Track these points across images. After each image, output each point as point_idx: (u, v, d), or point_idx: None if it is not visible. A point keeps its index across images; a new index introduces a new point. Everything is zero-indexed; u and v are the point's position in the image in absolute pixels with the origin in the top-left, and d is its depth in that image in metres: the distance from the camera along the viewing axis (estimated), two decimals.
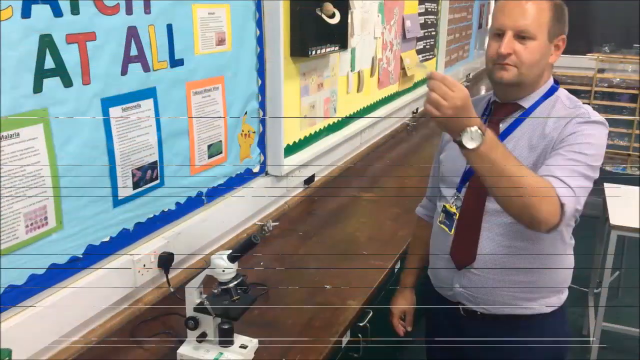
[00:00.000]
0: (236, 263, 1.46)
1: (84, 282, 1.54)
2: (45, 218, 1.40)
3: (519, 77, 1.40)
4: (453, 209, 1.53)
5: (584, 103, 1.44)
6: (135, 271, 1.69)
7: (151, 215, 1.76)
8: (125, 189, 1.64)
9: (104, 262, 1.62)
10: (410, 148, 3.66)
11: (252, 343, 1.52)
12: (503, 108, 1.49)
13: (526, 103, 1.45)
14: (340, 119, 2.96)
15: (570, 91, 1.50)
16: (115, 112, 1.56)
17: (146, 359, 1.53)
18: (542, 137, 1.40)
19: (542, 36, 1.38)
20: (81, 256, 1.53)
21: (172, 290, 1.80)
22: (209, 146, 1.97)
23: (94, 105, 1.49)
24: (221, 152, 2.05)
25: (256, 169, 2.29)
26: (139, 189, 1.69)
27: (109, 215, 1.60)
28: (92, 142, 1.50)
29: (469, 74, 5.94)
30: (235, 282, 1.46)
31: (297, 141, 2.55)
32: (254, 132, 2.25)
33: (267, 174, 2.37)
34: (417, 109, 4.30)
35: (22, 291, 1.37)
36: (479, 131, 1.18)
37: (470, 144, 1.18)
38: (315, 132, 2.73)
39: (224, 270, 1.44)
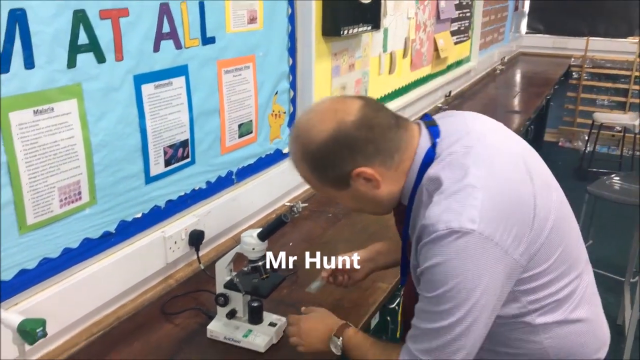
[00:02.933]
0: (266, 242, 1.45)
1: (116, 257, 1.56)
2: (79, 193, 1.42)
3: (372, 214, 1.29)
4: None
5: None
6: (166, 248, 1.71)
7: (182, 193, 1.77)
8: (157, 166, 1.65)
9: (136, 238, 1.63)
10: None
11: (281, 321, 1.53)
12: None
13: (405, 200, 1.19)
14: None
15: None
16: (147, 89, 1.56)
17: (176, 333, 1.55)
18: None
19: (329, 190, 1.19)
20: (114, 231, 1.54)
21: (202, 267, 1.82)
22: (239, 126, 1.97)
23: (127, 81, 1.49)
24: (251, 132, 2.05)
25: (286, 150, 2.28)
26: (171, 167, 1.70)
27: (141, 192, 1.61)
28: (125, 118, 1.51)
29: (504, 57, 5.81)
30: (265, 261, 1.46)
31: None
32: (285, 113, 2.23)
33: None
34: (450, 92, 4.23)
35: (56, 264, 1.40)
36: (336, 338, 1.32)
37: (336, 351, 1.32)
38: None
39: (254, 248, 1.44)
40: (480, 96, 4.58)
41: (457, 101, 4.29)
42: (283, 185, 2.27)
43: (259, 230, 1.45)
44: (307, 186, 2.45)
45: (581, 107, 6.30)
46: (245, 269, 1.51)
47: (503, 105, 4.34)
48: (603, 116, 5.50)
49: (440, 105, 4.00)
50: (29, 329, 1.01)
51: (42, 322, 1.02)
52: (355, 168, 1.11)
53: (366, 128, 1.09)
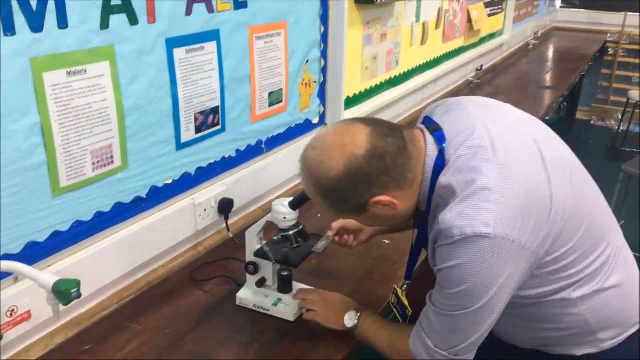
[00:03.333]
0: (297, 211, 1.43)
1: (147, 223, 1.56)
2: (111, 157, 1.41)
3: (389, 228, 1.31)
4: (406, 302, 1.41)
5: None
6: (196, 215, 1.70)
7: (212, 161, 1.75)
8: (188, 133, 1.63)
9: (167, 204, 1.63)
10: None
11: None
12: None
13: (422, 206, 1.17)
14: (401, 73, 2.86)
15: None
16: (179, 53, 1.53)
17: (206, 300, 1.55)
18: None
19: (346, 216, 1.24)
20: (145, 197, 1.54)
21: (231, 235, 1.81)
22: (269, 94, 1.94)
23: (159, 45, 1.47)
24: (281, 101, 2.01)
25: (315, 120, 2.25)
26: (201, 134, 1.68)
27: (172, 158, 1.60)
28: (157, 83, 1.49)
29: (537, 32, 5.64)
30: (296, 230, 1.44)
31: (357, 93, 2.49)
32: (315, 82, 2.19)
33: (326, 125, 2.33)
34: (481, 65, 4.13)
35: (88, 227, 1.40)
36: (354, 312, 1.34)
37: (350, 322, 1.34)
38: (376, 85, 2.65)
39: (285, 217, 1.42)
40: (513, 71, 4.46)
41: (488, 75, 4.19)
42: None
43: (290, 199, 1.43)
44: None
45: (615, 85, 6.12)
46: (276, 238, 1.49)
47: (535, 81, 4.23)
48: (639, 94, 5.33)
49: (471, 79, 3.91)
50: (63, 289, 1.00)
51: (77, 283, 1.02)
52: (372, 198, 1.09)
53: (377, 159, 1.06)
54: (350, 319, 1.34)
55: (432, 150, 1.12)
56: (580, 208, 1.11)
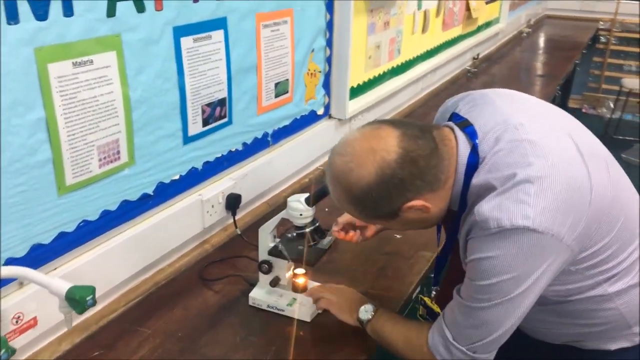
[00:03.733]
0: (313, 207, 1.37)
1: (154, 221, 1.49)
2: (118, 152, 1.34)
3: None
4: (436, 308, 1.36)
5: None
6: (203, 212, 1.63)
7: (219, 155, 1.69)
8: (195, 126, 1.56)
9: (174, 201, 1.56)
10: None
11: None
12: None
13: (454, 206, 1.12)
14: (403, 62, 2.80)
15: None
16: (186, 42, 1.46)
17: (217, 300, 1.48)
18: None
19: (375, 221, 1.20)
20: (152, 193, 1.47)
21: (239, 232, 1.74)
22: (275, 84, 1.87)
23: (166, 33, 1.39)
24: (287, 92, 1.95)
25: (320, 111, 2.18)
26: (208, 127, 1.61)
27: (179, 152, 1.53)
28: (164, 73, 1.41)
29: (530, 20, 5.61)
30: (312, 227, 1.38)
31: (360, 83, 2.43)
32: (320, 72, 2.13)
33: (330, 117, 2.27)
34: (478, 54, 4.08)
35: (94, 226, 1.33)
36: (369, 305, 1.28)
37: (364, 315, 1.27)
38: (380, 74, 2.59)
39: (301, 214, 1.36)
40: (507, 59, 4.42)
41: (484, 64, 4.14)
42: (317, 147, 2.18)
43: (306, 195, 1.37)
44: None
45: (607, 73, 6.12)
46: (289, 235, 1.43)
47: (531, 70, 4.19)
48: (632, 82, 5.34)
49: (468, 68, 3.86)
50: (78, 297, 0.94)
51: (92, 290, 0.95)
52: (405, 203, 1.05)
53: (409, 163, 1.01)
54: (366, 311, 1.28)
55: (464, 147, 1.07)
56: (618, 201, 1.07)
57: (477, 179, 1.04)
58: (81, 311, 0.96)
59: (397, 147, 1.01)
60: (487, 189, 1.01)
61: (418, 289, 1.68)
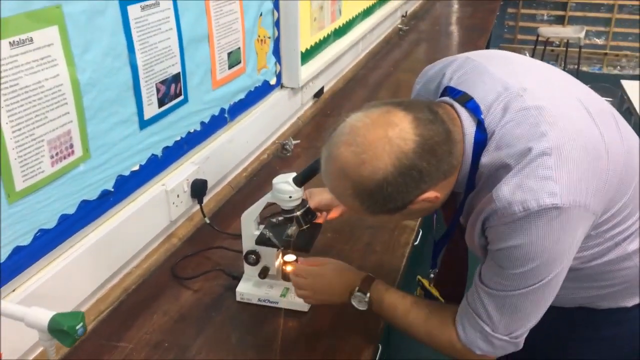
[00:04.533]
0: (302, 188, 1.24)
1: (118, 220, 1.31)
2: (71, 145, 1.14)
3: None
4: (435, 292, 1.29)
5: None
6: (169, 203, 1.46)
7: (178, 138, 1.51)
8: (151, 107, 1.37)
9: (136, 195, 1.38)
10: (403, 53, 3.41)
11: None
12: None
13: (459, 188, 1.03)
14: (344, 22, 2.68)
15: None
16: (134, 11, 1.26)
17: (199, 300, 1.33)
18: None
19: (377, 216, 1.00)
20: (112, 189, 1.28)
21: (207, 221, 1.58)
22: (228, 54, 1.70)
23: (111, 2, 1.19)
24: (240, 62, 1.78)
25: (273, 81, 2.03)
26: (165, 107, 1.43)
27: (136, 139, 1.34)
28: (113, 50, 1.21)
29: None
30: (303, 210, 1.25)
31: (309, 48, 2.28)
32: (269, 38, 1.96)
33: (282, 86, 2.11)
34: (406, 12, 4.02)
35: (53, 235, 1.13)
36: (361, 294, 1.15)
37: (360, 306, 1.16)
38: (324, 37, 2.45)
39: (290, 197, 1.22)
40: (433, 15, 4.40)
41: (413, 21, 4.09)
42: (272, 120, 2.04)
43: (294, 174, 1.24)
44: (295, 119, 2.25)
45: (522, 24, 6.29)
46: (274, 220, 1.30)
47: (461, 24, 4.20)
48: (549, 30, 5.51)
49: (400, 26, 3.79)
50: (66, 327, 0.77)
51: (81, 317, 0.79)
52: (419, 196, 0.93)
53: (429, 153, 0.90)
54: (359, 302, 1.16)
55: (469, 125, 0.97)
56: (632, 158, 1.03)
57: (487, 158, 0.95)
58: (71, 343, 0.80)
59: (414, 134, 0.89)
60: (501, 169, 0.93)
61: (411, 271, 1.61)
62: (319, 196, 1.36)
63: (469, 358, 1.05)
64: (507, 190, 0.90)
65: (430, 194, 0.94)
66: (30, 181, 1.05)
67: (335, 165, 0.94)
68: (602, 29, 5.97)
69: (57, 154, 1.10)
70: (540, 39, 5.48)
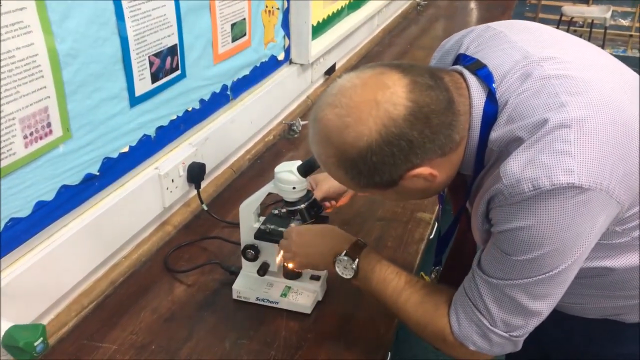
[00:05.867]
0: (308, 178, 1.11)
1: (104, 207, 1.19)
2: (49, 124, 1.01)
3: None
4: None
5: None
6: (162, 189, 1.34)
7: (174, 117, 1.37)
8: (143, 82, 1.24)
9: (125, 179, 1.25)
10: (421, 29, 3.23)
11: (323, 272, 1.23)
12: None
13: (466, 169, 0.92)
14: None
15: None
16: None
17: (192, 297, 1.22)
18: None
19: (367, 190, 0.91)
20: (97, 173, 1.15)
21: (205, 208, 1.46)
22: (232, 26, 1.55)
23: None
24: (245, 34, 1.63)
25: (281, 56, 1.88)
26: (159, 82, 1.29)
27: (126, 117, 1.21)
28: (99, 17, 1.08)
29: None
30: (308, 202, 1.12)
31: (320, 21, 2.13)
32: (278, 9, 1.81)
33: (291, 62, 1.97)
34: None
35: (28, 224, 1.01)
36: (349, 258, 1.01)
37: (345, 274, 1.03)
38: (338, 10, 2.29)
39: (294, 188, 1.10)
40: None
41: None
42: (279, 99, 1.90)
43: (298, 163, 1.10)
44: (304, 98, 2.11)
45: (544, 2, 6.03)
46: (277, 211, 1.18)
47: (482, 1, 4.00)
48: (573, 9, 5.27)
49: (418, 1, 3.60)
50: (22, 344, 0.65)
51: (40, 331, 0.67)
52: (409, 171, 0.83)
53: (422, 122, 0.80)
54: (344, 269, 1.02)
55: (478, 95, 0.85)
56: None
57: (497, 133, 0.83)
58: None
59: (407, 99, 0.79)
60: (512, 143, 0.81)
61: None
62: (327, 184, 1.24)
63: (459, 355, 0.93)
64: (516, 166, 0.78)
65: (424, 170, 0.83)
66: (0, 164, 0.93)
67: (318, 129, 0.85)
68: (628, 9, 5.71)
69: (31, 133, 0.98)
70: (563, 18, 5.25)
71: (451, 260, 1.14)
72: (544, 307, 0.87)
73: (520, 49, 0.88)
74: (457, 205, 1.05)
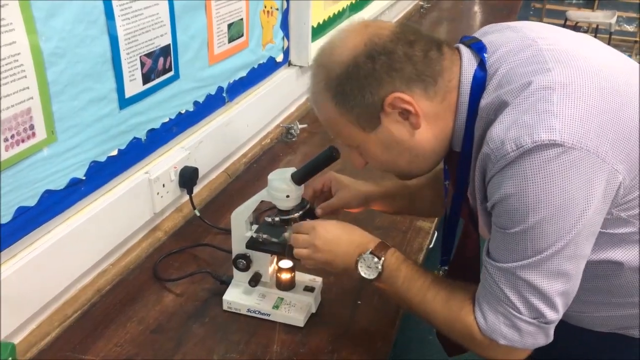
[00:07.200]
0: (302, 186, 1.07)
1: (89, 213, 1.14)
2: (32, 127, 0.97)
3: (407, 174, 1.01)
4: None
5: None
6: (153, 194, 1.29)
7: (166, 119, 1.33)
8: (134, 84, 1.20)
9: (113, 184, 1.21)
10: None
11: (317, 283, 1.18)
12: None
13: (457, 145, 0.93)
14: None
15: None
16: None
17: (181, 307, 1.17)
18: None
19: (355, 133, 0.91)
20: (83, 177, 1.11)
21: (197, 214, 1.41)
22: (229, 26, 1.51)
23: None
24: (242, 35, 1.59)
25: (279, 58, 1.84)
26: (151, 84, 1.25)
27: (114, 119, 1.17)
28: (87, 15, 1.03)
29: None
30: (302, 211, 1.08)
31: (321, 22, 2.08)
32: (277, 10, 1.77)
33: (290, 64, 1.92)
34: None
35: (8, 231, 0.97)
36: (374, 257, 0.97)
37: (368, 274, 0.98)
38: (339, 11, 2.25)
39: (287, 196, 1.05)
40: None
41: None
42: (277, 102, 1.86)
43: (292, 170, 1.06)
44: (302, 100, 2.07)
45: (549, 6, 5.99)
46: (270, 219, 1.13)
47: (487, 4, 3.95)
48: (578, 14, 5.23)
49: (421, 3, 3.56)
50: None
51: (9, 350, 0.62)
52: (390, 93, 0.86)
53: (405, 43, 0.86)
54: (367, 268, 0.97)
55: (469, 63, 0.88)
56: None
57: (486, 100, 0.85)
58: None
59: (394, 27, 0.88)
60: (498, 108, 0.82)
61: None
62: (349, 192, 1.17)
63: (491, 355, 0.89)
64: (501, 129, 0.79)
65: (403, 96, 0.85)
66: None
67: (315, 61, 0.93)
68: (633, 15, 5.66)
69: (12, 136, 0.93)
70: (568, 23, 5.20)
71: (458, 260, 1.09)
72: (562, 287, 0.82)
73: (520, 31, 0.91)
74: (453, 192, 1.01)
